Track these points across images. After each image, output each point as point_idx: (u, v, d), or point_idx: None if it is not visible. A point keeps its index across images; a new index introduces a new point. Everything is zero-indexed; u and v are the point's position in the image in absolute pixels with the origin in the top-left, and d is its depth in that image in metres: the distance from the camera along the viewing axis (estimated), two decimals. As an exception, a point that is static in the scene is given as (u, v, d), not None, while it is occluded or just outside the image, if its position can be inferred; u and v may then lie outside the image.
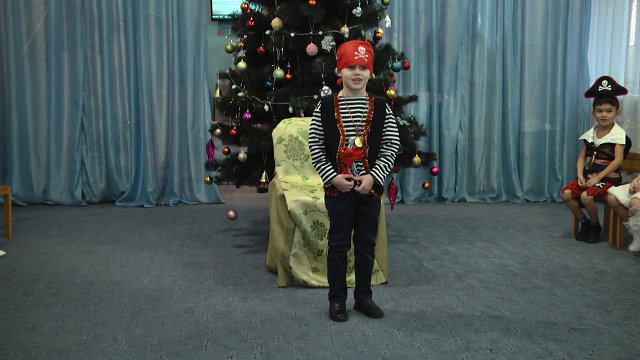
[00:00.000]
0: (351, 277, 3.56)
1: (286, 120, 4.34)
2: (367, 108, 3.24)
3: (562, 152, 6.68)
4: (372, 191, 3.26)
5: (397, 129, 3.30)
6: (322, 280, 3.77)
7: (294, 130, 4.27)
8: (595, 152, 4.98)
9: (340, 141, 3.21)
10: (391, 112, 3.31)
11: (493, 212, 6.13)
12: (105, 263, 4.31)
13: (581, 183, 4.92)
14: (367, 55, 3.20)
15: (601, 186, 4.84)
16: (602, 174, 4.88)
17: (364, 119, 3.23)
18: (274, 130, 4.31)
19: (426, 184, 5.28)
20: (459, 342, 3.02)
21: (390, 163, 3.28)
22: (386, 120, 3.26)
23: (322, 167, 3.26)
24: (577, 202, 4.96)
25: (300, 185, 4.09)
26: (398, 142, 3.30)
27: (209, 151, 4.93)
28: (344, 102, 3.24)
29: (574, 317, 3.33)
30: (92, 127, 6.36)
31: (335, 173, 3.23)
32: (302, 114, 4.41)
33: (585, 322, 3.27)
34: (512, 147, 6.63)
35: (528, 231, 5.30)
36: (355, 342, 3.01)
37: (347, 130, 3.21)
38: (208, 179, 5.02)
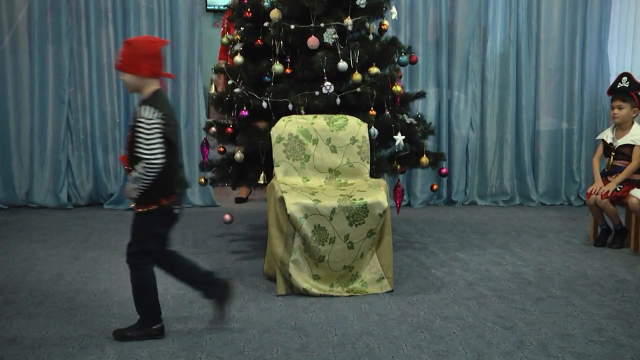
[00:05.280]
0: None
1: (285, 118, 4.34)
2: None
3: (580, 152, 6.67)
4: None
5: (141, 134, 3.01)
6: (323, 288, 3.78)
7: (293, 128, 4.28)
8: (613, 153, 4.98)
9: None
10: (143, 114, 3.04)
11: (506, 216, 6.14)
12: (92, 270, 4.32)
13: (598, 187, 4.89)
14: (120, 58, 3.06)
15: (618, 189, 4.84)
16: (619, 178, 4.87)
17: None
18: (273, 129, 4.31)
19: (434, 186, 5.28)
20: (469, 355, 3.02)
21: (139, 175, 3.00)
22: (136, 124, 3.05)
23: None
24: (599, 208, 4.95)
25: (300, 187, 4.10)
26: (142, 149, 3.00)
27: (204, 151, 4.94)
28: None
29: (593, 329, 3.33)
30: (79, 124, 6.35)
31: None
32: (302, 111, 4.42)
33: (605, 334, 3.27)
34: (527, 147, 6.63)
35: (543, 236, 5.31)
36: (358, 354, 3.02)
37: None
38: (202, 180, 5.02)
